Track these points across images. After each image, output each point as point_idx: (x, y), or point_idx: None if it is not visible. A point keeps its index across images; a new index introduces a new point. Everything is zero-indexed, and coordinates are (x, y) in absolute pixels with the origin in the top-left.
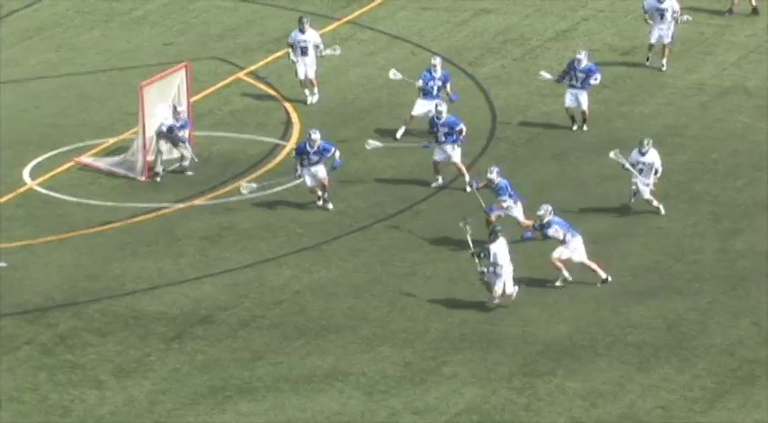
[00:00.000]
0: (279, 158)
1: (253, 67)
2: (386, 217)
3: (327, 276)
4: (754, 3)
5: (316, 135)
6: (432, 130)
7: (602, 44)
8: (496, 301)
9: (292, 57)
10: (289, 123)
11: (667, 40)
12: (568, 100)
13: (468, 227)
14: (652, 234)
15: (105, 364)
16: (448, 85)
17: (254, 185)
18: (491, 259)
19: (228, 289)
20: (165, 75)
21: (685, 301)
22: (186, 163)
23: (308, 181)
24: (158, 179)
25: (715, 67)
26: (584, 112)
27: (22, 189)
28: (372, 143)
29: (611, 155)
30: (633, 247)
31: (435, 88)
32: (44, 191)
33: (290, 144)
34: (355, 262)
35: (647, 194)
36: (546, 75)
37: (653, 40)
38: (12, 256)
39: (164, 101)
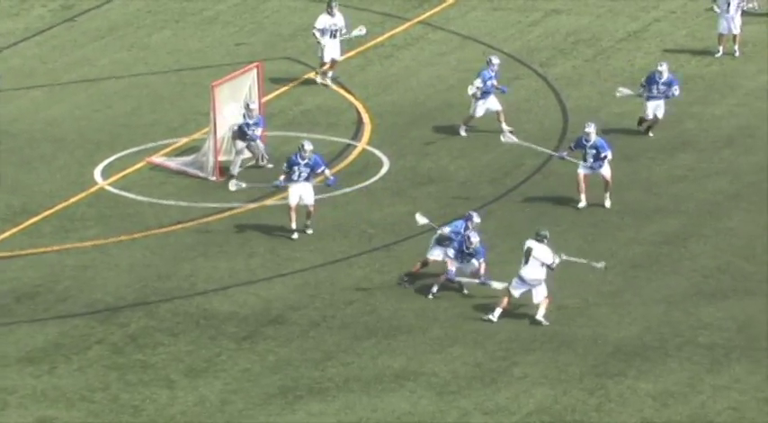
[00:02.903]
0: (350, 158)
1: (324, 68)
2: (457, 217)
3: (398, 277)
4: None
5: (309, 146)
6: (577, 147)
7: (674, 45)
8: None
9: (322, 41)
10: (360, 123)
11: (736, 31)
12: (650, 112)
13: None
14: (723, 235)
15: (176, 363)
16: (495, 81)
17: (243, 185)
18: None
19: (299, 289)
20: (237, 75)
21: (756, 301)
22: (263, 161)
23: (293, 198)
24: (235, 181)
25: None
26: (657, 119)
27: (93, 189)
28: (509, 136)
29: None
30: (704, 248)
31: (492, 86)
32: (115, 190)
33: (362, 144)
34: None
35: None
36: (625, 91)
37: (721, 30)
38: (83, 256)
39: (235, 101)
